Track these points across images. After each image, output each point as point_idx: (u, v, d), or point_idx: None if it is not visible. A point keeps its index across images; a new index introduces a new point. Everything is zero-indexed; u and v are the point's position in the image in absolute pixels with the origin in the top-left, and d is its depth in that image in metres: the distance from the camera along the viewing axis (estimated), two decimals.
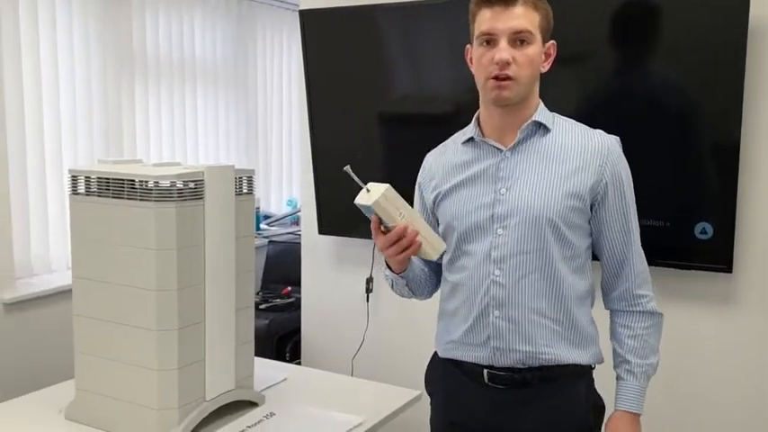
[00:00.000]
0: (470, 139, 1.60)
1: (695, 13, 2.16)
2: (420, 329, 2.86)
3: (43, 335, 3.14)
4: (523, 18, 1.44)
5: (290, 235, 4.47)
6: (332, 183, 2.88)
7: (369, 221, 1.49)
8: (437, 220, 1.65)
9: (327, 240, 3.04)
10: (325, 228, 2.96)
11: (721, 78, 2.14)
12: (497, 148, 1.55)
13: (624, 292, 1.58)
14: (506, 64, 1.44)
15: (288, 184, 5.16)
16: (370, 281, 2.94)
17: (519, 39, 1.44)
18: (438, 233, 1.61)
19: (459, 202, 1.58)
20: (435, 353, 1.70)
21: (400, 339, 2.92)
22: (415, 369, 2.87)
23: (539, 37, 1.47)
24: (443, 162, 1.65)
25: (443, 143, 1.70)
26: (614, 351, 1.59)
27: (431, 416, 1.72)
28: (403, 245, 1.47)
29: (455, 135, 1.67)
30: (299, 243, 3.23)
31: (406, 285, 1.66)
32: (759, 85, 2.19)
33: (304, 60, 2.85)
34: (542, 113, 1.55)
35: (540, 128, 1.54)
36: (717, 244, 2.22)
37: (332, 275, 3.07)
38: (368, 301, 2.96)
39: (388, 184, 1.46)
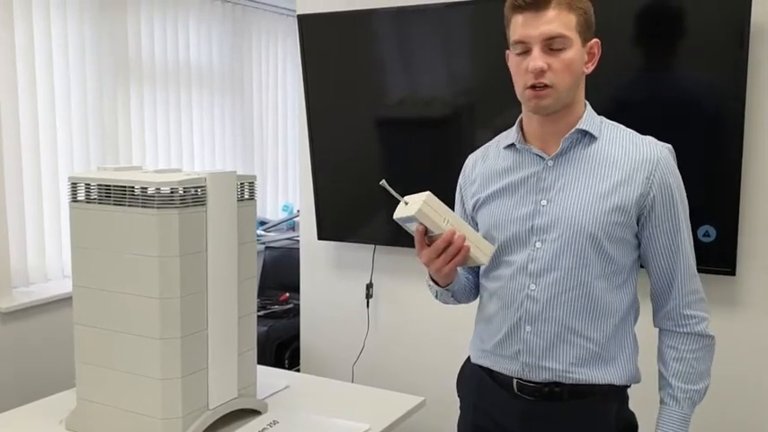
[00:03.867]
0: (512, 145, 1.54)
1: (697, 15, 2.16)
2: (422, 335, 2.85)
3: (40, 344, 3.12)
4: (556, 22, 1.37)
5: (287, 241, 4.44)
6: (331, 187, 2.86)
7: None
8: (476, 225, 1.60)
9: (327, 246, 3.01)
10: (324, 233, 2.94)
11: (723, 81, 2.14)
12: (540, 157, 1.49)
13: (671, 311, 1.49)
14: (541, 72, 1.38)
15: (283, 190, 5.14)
16: (370, 286, 2.92)
17: (552, 45, 1.38)
18: None
19: (499, 211, 1.53)
20: (468, 357, 1.67)
21: (401, 345, 2.91)
22: (417, 375, 2.88)
23: (576, 39, 1.40)
24: (484, 166, 1.59)
25: (486, 144, 1.63)
26: (659, 373, 1.51)
27: (458, 419, 1.70)
28: (451, 253, 1.40)
29: (499, 136, 1.61)
30: (296, 249, 3.21)
31: (452, 296, 1.62)
32: (762, 87, 2.19)
33: (302, 65, 2.84)
34: (588, 120, 1.48)
35: (586, 136, 1.48)
36: (720, 247, 2.21)
37: (331, 281, 3.06)
38: (368, 306, 2.94)
39: (428, 192, 1.40)
